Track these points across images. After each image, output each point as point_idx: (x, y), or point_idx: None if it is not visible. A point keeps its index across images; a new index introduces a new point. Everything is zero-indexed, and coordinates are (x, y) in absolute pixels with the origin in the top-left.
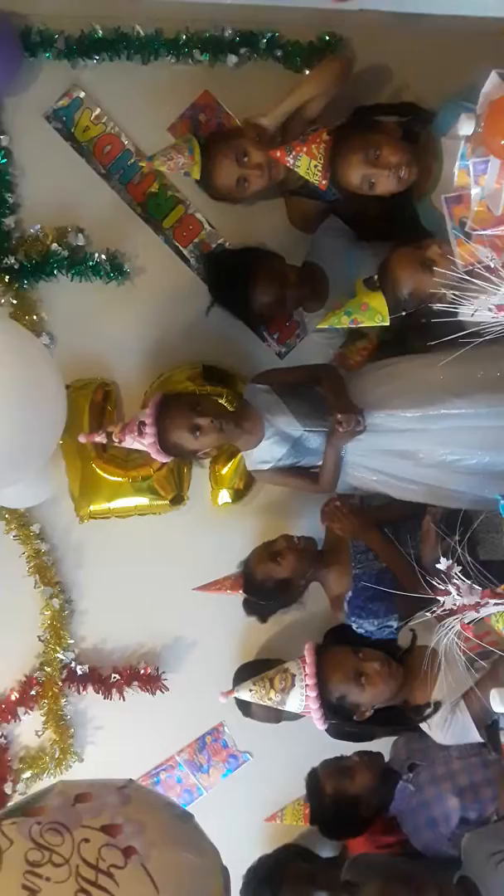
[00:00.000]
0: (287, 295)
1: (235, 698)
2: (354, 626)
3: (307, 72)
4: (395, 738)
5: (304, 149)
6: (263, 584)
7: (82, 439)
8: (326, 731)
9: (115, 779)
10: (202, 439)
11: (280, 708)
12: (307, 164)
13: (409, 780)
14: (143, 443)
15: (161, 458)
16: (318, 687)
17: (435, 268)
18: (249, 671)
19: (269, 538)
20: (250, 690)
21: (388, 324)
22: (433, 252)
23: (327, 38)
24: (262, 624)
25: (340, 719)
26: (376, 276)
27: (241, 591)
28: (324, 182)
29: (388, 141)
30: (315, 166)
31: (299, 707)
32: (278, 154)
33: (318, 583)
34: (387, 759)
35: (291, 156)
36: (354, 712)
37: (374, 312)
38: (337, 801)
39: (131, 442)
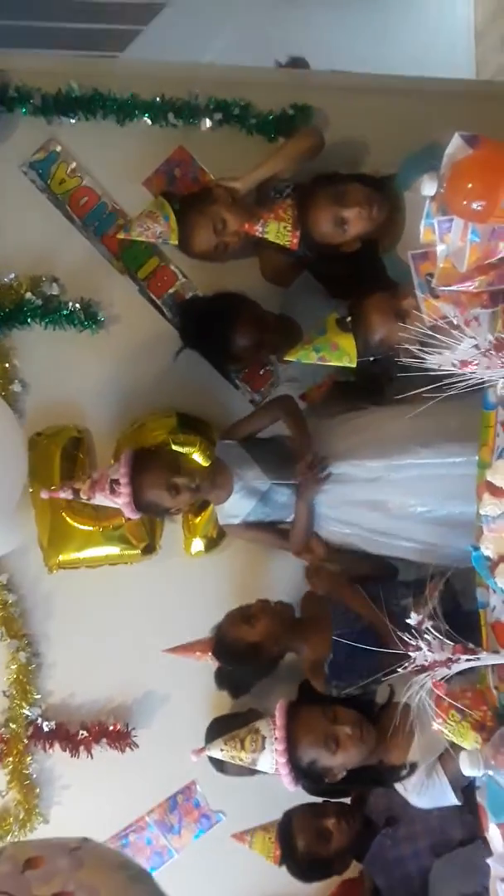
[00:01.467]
0: (265, 339)
1: (208, 756)
2: (335, 693)
3: (281, 140)
4: None
5: (272, 215)
6: (234, 647)
7: (44, 496)
8: (303, 787)
9: (70, 838)
10: (179, 498)
11: (252, 768)
12: (276, 228)
13: (388, 834)
14: (116, 501)
15: (133, 516)
16: (288, 752)
17: (407, 319)
18: (222, 725)
19: (243, 587)
20: (221, 749)
21: (354, 365)
22: (408, 303)
23: (297, 108)
24: (233, 699)
25: (311, 782)
26: (349, 318)
27: (210, 656)
28: (294, 241)
29: (352, 183)
30: (284, 227)
31: (271, 768)
32: (247, 227)
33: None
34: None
35: (260, 224)
36: (326, 775)
37: (343, 353)
38: (310, 860)
39: (101, 499)
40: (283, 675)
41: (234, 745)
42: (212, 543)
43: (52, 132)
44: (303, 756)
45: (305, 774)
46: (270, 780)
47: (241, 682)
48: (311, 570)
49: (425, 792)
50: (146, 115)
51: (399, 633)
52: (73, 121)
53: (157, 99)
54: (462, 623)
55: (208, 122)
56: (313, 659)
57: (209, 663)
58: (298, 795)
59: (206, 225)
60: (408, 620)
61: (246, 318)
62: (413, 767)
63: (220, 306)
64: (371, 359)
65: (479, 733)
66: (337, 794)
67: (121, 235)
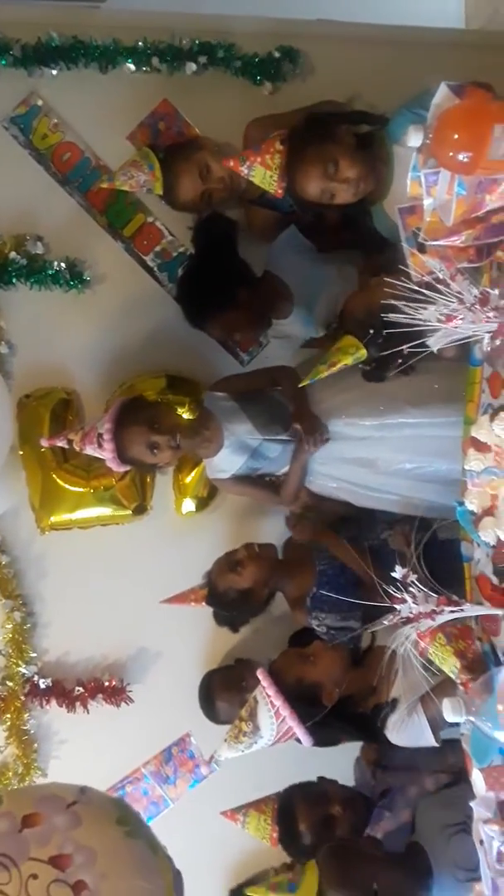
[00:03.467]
0: (254, 309)
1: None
2: (315, 624)
3: (266, 84)
4: (358, 756)
5: (259, 159)
6: (226, 596)
7: (44, 443)
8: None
9: (68, 787)
10: (160, 455)
11: (256, 735)
12: (262, 174)
13: (385, 805)
14: (102, 454)
15: (120, 470)
16: (279, 693)
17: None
18: (214, 679)
19: (235, 545)
20: (227, 744)
21: (365, 352)
22: (376, 283)
23: (283, 50)
24: (234, 633)
25: (311, 707)
26: (332, 326)
27: (204, 604)
28: (279, 191)
29: (344, 153)
30: (270, 176)
31: (271, 722)
32: (231, 164)
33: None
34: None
35: (245, 165)
36: (320, 694)
37: (348, 349)
38: (314, 847)
39: (92, 451)
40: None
41: (233, 729)
42: (202, 503)
43: (34, 85)
44: (288, 681)
45: (301, 700)
46: None
47: (238, 620)
48: (294, 518)
49: (404, 729)
50: (129, 60)
51: (380, 579)
52: (54, 72)
53: (140, 43)
54: (438, 556)
55: (193, 66)
56: (297, 595)
57: (204, 608)
58: (286, 752)
59: (191, 171)
60: (392, 573)
61: (230, 317)
62: (394, 704)
63: (211, 287)
64: (371, 331)
65: (460, 660)
66: (328, 740)
67: (104, 185)
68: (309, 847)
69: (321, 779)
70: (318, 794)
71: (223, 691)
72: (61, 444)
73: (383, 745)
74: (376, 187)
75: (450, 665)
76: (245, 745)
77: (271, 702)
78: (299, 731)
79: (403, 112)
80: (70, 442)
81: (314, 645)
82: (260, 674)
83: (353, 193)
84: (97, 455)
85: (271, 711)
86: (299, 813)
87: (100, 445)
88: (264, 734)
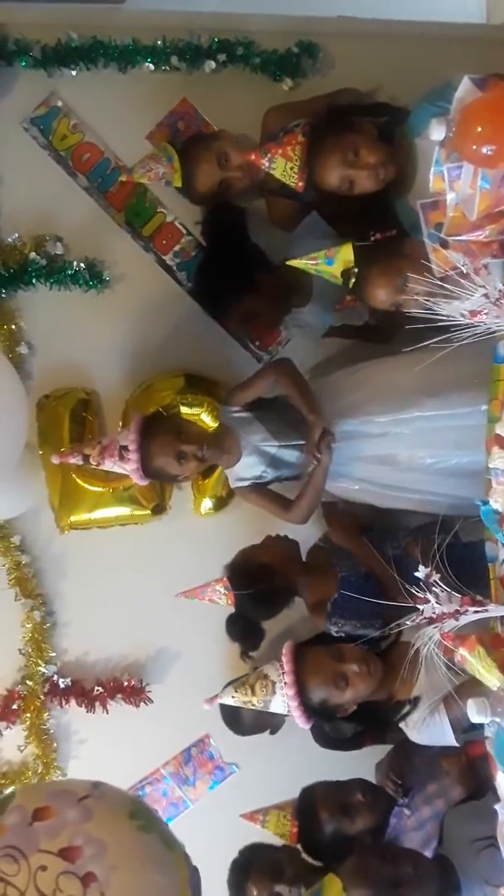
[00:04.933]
0: (272, 302)
1: (223, 714)
2: (334, 631)
3: (286, 80)
4: (380, 760)
5: (280, 151)
6: (247, 568)
7: (55, 460)
8: (315, 740)
9: (81, 782)
10: (186, 465)
11: (265, 710)
12: (283, 166)
13: (405, 804)
14: (124, 467)
15: (142, 482)
16: (298, 694)
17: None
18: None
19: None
20: (233, 696)
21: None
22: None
23: (302, 45)
24: (250, 651)
25: (324, 719)
26: (355, 271)
27: (221, 589)
28: (300, 184)
29: (364, 141)
30: (291, 168)
31: (283, 710)
32: (252, 157)
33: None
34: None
35: (266, 158)
36: (337, 711)
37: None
38: (333, 838)
39: (111, 465)
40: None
41: (245, 691)
42: (221, 503)
43: (53, 86)
44: (313, 696)
45: (317, 712)
46: (281, 734)
47: (251, 625)
48: (331, 516)
49: (425, 729)
50: (148, 59)
51: (403, 583)
52: (73, 73)
53: (159, 42)
54: (461, 558)
55: (212, 64)
56: (316, 599)
57: (222, 604)
58: (307, 752)
59: (210, 159)
60: (415, 573)
61: (248, 304)
62: (416, 702)
63: (228, 273)
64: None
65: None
66: (350, 746)
67: (123, 178)
68: (329, 840)
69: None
70: (339, 784)
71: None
72: (76, 461)
73: (400, 748)
74: (401, 181)
75: (495, 678)
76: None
77: (287, 696)
78: (303, 725)
79: (425, 105)
80: (86, 457)
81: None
82: (286, 649)
83: (374, 181)
84: (118, 469)
85: (285, 700)
86: (319, 801)
87: (122, 458)
88: (274, 710)
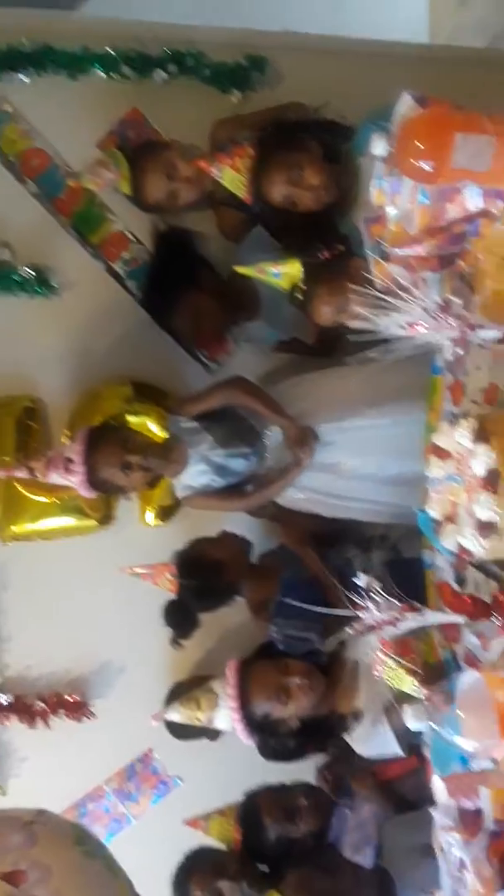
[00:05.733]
0: (221, 317)
1: (166, 722)
2: (273, 631)
3: (235, 92)
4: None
5: (229, 162)
6: (198, 561)
7: (0, 474)
8: (259, 752)
9: (25, 810)
10: (132, 476)
11: (209, 727)
12: (231, 177)
13: (346, 804)
14: (70, 480)
15: (89, 495)
16: (241, 708)
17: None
18: (183, 690)
19: None
20: (179, 712)
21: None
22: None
23: (251, 59)
24: (181, 640)
25: (267, 735)
26: (301, 292)
27: (168, 575)
28: (248, 196)
29: (310, 161)
30: (239, 180)
31: (227, 726)
32: (202, 164)
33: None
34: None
35: (215, 167)
36: (279, 727)
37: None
38: (277, 842)
39: (56, 478)
40: (236, 644)
41: (190, 705)
42: (167, 512)
43: (3, 91)
44: (256, 710)
45: (260, 728)
46: (225, 745)
47: (188, 614)
48: (287, 519)
49: (369, 741)
50: (99, 67)
51: (346, 591)
52: (24, 78)
53: (110, 50)
54: (404, 573)
55: (162, 75)
56: (259, 599)
57: (165, 589)
58: (251, 762)
59: (158, 169)
60: (354, 580)
61: (193, 297)
62: (359, 716)
63: (174, 272)
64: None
65: (415, 676)
66: (293, 756)
67: (71, 183)
68: (273, 847)
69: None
70: (282, 788)
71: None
72: (21, 474)
73: (339, 751)
74: (343, 199)
75: (408, 684)
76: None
77: (231, 709)
78: (246, 740)
79: (368, 125)
80: (31, 471)
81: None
82: (230, 668)
83: (316, 202)
84: (64, 481)
85: (228, 714)
86: (263, 806)
87: (67, 470)
88: (219, 726)
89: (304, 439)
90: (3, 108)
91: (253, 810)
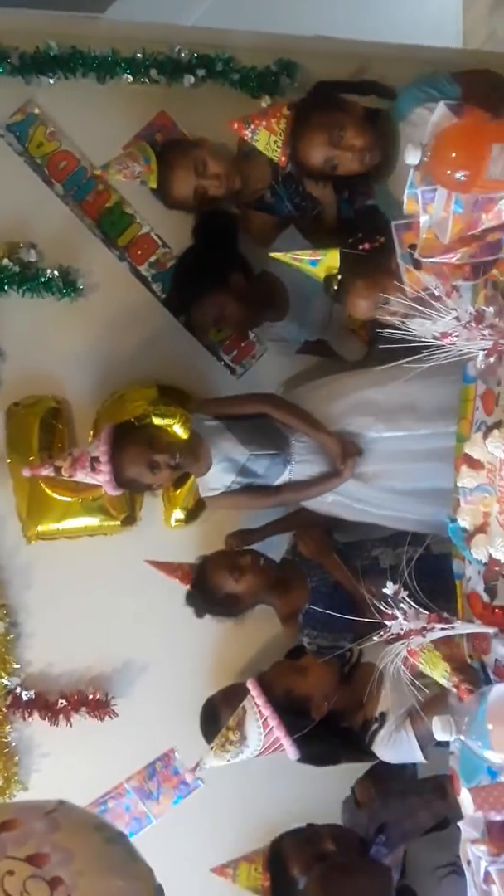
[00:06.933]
0: (244, 318)
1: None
2: (306, 642)
3: (264, 97)
4: (346, 797)
5: (264, 123)
6: (213, 593)
7: (26, 473)
8: (289, 735)
9: (46, 801)
10: (159, 474)
11: (243, 745)
12: (266, 138)
13: (381, 842)
14: (97, 479)
15: (114, 493)
16: (268, 703)
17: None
18: (218, 696)
19: None
20: (214, 753)
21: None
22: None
23: (282, 63)
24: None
25: (300, 720)
26: (336, 285)
27: (188, 585)
28: (283, 159)
29: (352, 122)
30: (275, 142)
31: (258, 734)
32: (235, 126)
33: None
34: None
35: (250, 129)
36: (308, 707)
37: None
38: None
39: (83, 477)
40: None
41: (220, 738)
42: (191, 515)
43: (31, 93)
44: (277, 691)
45: (289, 712)
46: None
47: (209, 612)
48: (302, 531)
49: (392, 746)
50: (127, 71)
51: (372, 594)
52: (51, 81)
53: (139, 54)
54: (432, 571)
55: (191, 79)
56: (288, 611)
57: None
58: (272, 767)
59: (187, 165)
60: (382, 579)
61: (226, 284)
62: (383, 718)
63: (205, 267)
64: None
65: (449, 663)
66: (327, 759)
67: (98, 172)
68: (302, 893)
69: (310, 824)
70: (308, 834)
71: (227, 707)
72: (47, 472)
73: (377, 778)
74: (382, 165)
75: (440, 669)
76: (231, 755)
77: (260, 711)
78: (286, 743)
79: (411, 89)
80: (58, 469)
81: (306, 658)
82: (250, 683)
83: (358, 164)
84: (90, 480)
85: (259, 721)
86: (289, 854)
87: (94, 469)
88: (251, 744)
89: (347, 453)
90: (30, 111)
91: (280, 857)
